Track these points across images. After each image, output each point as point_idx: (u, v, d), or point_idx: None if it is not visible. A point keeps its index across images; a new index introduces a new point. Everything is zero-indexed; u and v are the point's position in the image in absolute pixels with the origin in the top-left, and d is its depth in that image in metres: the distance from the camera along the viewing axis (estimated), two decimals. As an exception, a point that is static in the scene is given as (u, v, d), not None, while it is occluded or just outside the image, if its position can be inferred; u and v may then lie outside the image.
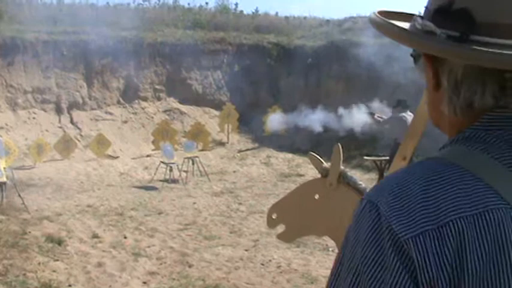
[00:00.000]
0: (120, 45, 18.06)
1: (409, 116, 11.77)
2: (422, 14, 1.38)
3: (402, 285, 1.11)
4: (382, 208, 1.16)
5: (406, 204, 1.15)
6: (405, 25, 1.41)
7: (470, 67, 1.21)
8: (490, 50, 1.15)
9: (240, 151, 18.20)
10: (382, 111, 12.30)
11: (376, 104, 13.11)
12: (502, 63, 1.15)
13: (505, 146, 1.18)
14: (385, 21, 1.43)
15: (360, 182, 3.65)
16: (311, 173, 15.44)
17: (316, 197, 3.62)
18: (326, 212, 3.61)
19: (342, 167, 3.59)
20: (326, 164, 3.66)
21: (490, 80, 1.20)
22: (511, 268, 1.09)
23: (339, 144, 3.78)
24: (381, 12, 1.51)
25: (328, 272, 6.80)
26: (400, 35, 1.37)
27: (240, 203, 11.92)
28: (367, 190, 3.68)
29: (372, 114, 12.09)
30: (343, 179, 3.59)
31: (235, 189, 13.51)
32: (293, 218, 3.70)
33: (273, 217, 3.74)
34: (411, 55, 1.45)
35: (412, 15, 1.49)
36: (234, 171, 15.94)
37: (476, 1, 1.20)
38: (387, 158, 12.70)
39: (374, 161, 13.57)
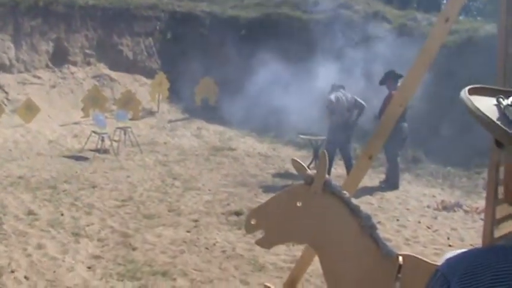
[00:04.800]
0: (51, 7, 17.35)
1: (342, 94, 11.85)
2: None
3: None
4: (453, 286, 1.27)
5: None
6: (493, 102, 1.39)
7: None
8: None
9: (170, 121, 17.96)
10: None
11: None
12: None
13: None
14: (470, 102, 1.39)
15: (345, 192, 3.62)
16: (243, 146, 15.41)
17: (299, 204, 3.56)
18: (308, 219, 3.57)
19: (327, 175, 3.54)
20: (310, 172, 3.61)
21: None
22: None
23: (325, 151, 3.73)
24: (472, 89, 1.46)
25: (274, 259, 6.77)
26: (483, 121, 1.34)
27: (175, 178, 11.77)
28: (351, 200, 3.66)
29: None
30: (327, 187, 3.54)
31: (168, 162, 13.34)
32: (273, 224, 3.63)
33: (252, 222, 3.67)
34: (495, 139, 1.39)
35: (503, 91, 1.43)
36: (165, 143, 15.75)
37: None
38: (323, 137, 12.77)
39: (309, 139, 13.64)
